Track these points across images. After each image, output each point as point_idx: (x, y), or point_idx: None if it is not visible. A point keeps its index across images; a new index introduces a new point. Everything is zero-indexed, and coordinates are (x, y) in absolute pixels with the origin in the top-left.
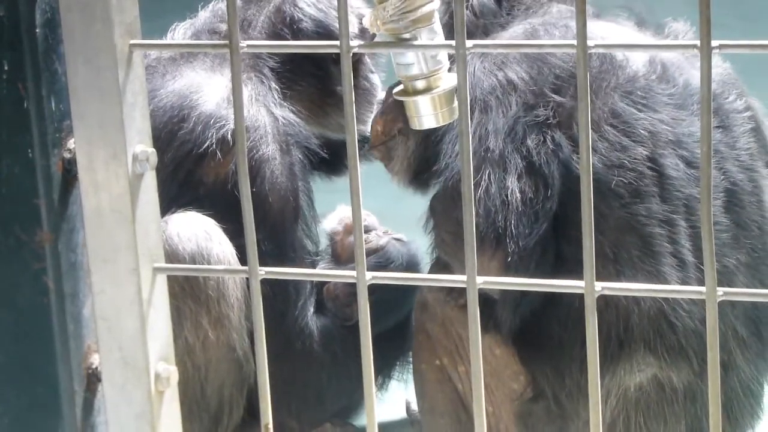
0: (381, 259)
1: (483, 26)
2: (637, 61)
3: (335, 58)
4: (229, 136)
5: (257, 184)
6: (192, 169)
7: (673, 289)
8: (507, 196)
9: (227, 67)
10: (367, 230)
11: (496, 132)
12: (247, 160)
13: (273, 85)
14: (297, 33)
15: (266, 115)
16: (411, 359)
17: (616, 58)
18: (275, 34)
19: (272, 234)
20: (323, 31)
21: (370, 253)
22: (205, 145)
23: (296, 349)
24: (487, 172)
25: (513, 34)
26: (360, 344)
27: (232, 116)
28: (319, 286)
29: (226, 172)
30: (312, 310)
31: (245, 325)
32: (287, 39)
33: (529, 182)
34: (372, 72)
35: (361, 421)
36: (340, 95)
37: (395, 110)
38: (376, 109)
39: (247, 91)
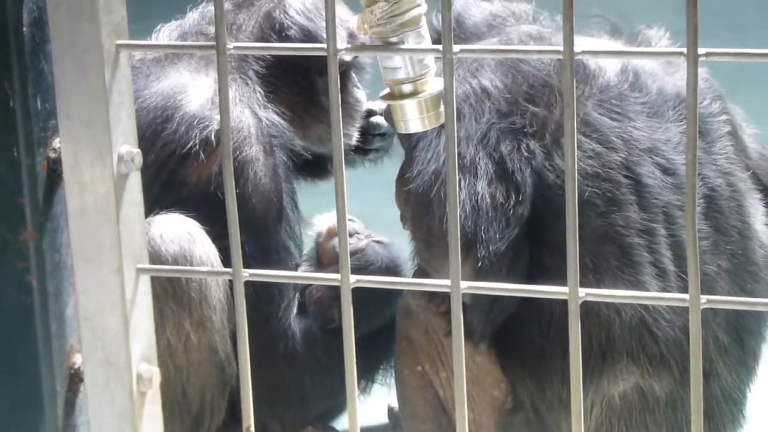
0: (360, 262)
1: (458, 35)
2: (610, 70)
3: (321, 69)
4: (213, 137)
5: (241, 186)
6: (175, 169)
7: (656, 297)
8: (477, 202)
9: (212, 69)
10: (349, 234)
11: (468, 138)
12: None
13: (257, 87)
14: (284, 40)
15: (250, 116)
16: (393, 364)
17: (589, 68)
18: (263, 39)
19: (255, 235)
20: (309, 41)
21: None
22: (189, 145)
23: (279, 350)
24: (458, 179)
25: (489, 44)
26: (343, 347)
27: (216, 117)
28: (302, 289)
29: (209, 173)
30: (295, 311)
31: (227, 327)
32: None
33: (500, 187)
34: (357, 87)
35: (343, 424)
36: (322, 107)
37: (399, 179)
38: (359, 123)
39: (231, 93)
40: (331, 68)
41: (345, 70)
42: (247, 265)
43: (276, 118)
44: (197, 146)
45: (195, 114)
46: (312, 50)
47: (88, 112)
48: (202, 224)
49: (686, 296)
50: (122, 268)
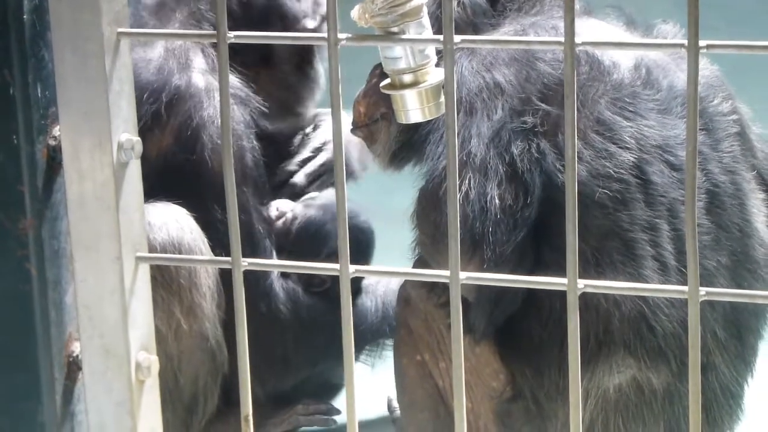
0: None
1: (474, 25)
2: (623, 67)
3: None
4: (163, 109)
5: (198, 151)
6: None
7: (655, 288)
8: (486, 203)
9: (162, 39)
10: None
11: (480, 136)
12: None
13: (209, 51)
14: (246, 7)
15: (201, 79)
16: (393, 353)
17: (603, 64)
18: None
19: (220, 199)
20: (274, 5)
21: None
22: (141, 122)
23: (261, 311)
24: (468, 177)
25: (502, 35)
26: (326, 309)
27: (166, 87)
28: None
29: (166, 145)
30: (276, 272)
31: (217, 315)
32: (237, 13)
33: (510, 189)
34: (319, 61)
35: (342, 415)
36: (286, 77)
37: (378, 93)
38: (317, 97)
39: (179, 58)
40: (331, 58)
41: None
42: (216, 230)
43: (231, 78)
44: (150, 121)
45: (144, 87)
46: (312, 40)
47: (88, 100)
48: (163, 198)
49: (685, 288)
50: (121, 257)
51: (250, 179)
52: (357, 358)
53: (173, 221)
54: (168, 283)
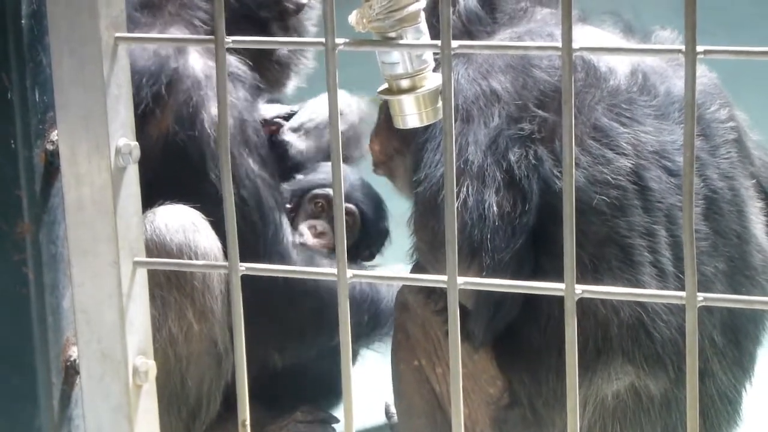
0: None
1: (469, 33)
2: (620, 73)
3: (278, 17)
4: (164, 90)
5: (198, 128)
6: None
7: (653, 294)
8: (484, 210)
9: (159, 19)
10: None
11: (477, 143)
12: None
13: (203, 34)
14: None
15: (198, 61)
16: (390, 358)
17: (600, 71)
18: None
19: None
20: None
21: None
22: (143, 105)
23: (278, 280)
24: (466, 185)
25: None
26: None
27: (164, 69)
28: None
29: (166, 125)
30: (289, 239)
31: (227, 320)
32: (233, 4)
33: (507, 196)
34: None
35: (339, 414)
36: (279, 55)
37: (388, 129)
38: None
39: (173, 45)
40: (329, 63)
41: (293, 17)
42: (217, 202)
43: (230, 58)
44: (151, 103)
45: (142, 72)
46: (310, 44)
47: (86, 105)
48: (164, 177)
49: (683, 294)
50: (119, 261)
51: (252, 145)
52: (372, 343)
53: (190, 224)
54: (182, 284)
